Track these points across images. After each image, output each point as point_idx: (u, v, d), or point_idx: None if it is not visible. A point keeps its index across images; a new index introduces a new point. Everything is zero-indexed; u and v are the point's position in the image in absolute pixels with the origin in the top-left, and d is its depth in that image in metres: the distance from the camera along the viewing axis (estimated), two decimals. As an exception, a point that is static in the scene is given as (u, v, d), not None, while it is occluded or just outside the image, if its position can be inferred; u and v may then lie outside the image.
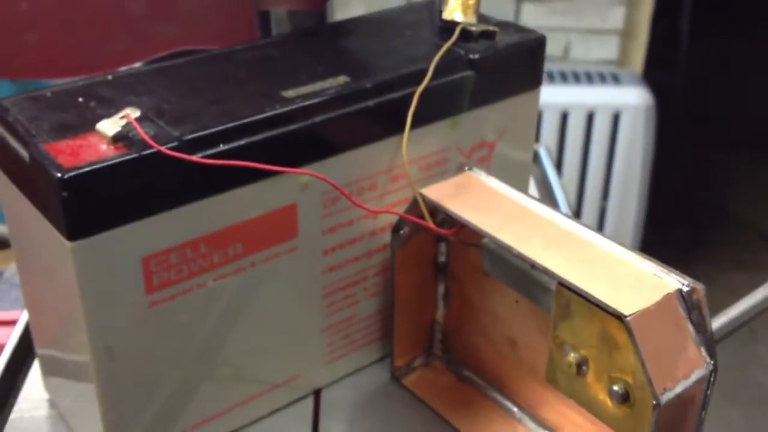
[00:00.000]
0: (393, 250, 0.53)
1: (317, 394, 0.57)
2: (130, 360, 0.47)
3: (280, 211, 0.49)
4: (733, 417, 1.58)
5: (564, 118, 1.68)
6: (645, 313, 0.42)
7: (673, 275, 0.44)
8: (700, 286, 0.43)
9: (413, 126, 0.51)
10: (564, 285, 0.44)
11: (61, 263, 0.43)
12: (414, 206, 0.51)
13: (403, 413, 0.55)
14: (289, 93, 0.48)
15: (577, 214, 1.75)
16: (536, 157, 0.82)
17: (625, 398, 0.44)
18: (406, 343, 0.57)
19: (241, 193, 0.46)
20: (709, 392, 0.44)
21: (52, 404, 0.55)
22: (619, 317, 0.41)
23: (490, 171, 0.53)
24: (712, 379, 0.43)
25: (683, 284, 0.43)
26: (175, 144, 0.43)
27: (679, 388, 0.42)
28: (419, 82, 0.51)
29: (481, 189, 0.51)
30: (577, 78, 1.71)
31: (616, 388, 0.44)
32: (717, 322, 0.47)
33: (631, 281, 0.44)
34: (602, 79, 1.71)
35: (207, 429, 0.52)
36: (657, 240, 1.77)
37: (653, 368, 0.41)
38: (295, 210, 0.49)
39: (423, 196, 0.50)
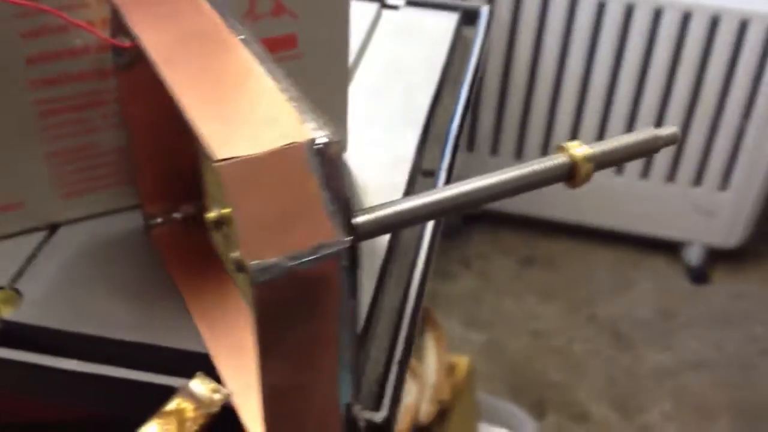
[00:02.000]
0: (116, 71, 0.44)
1: (53, 231, 0.50)
2: None
3: (-57, -3, 0.41)
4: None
5: (714, 24, 1.48)
6: (250, 162, 0.32)
7: (315, 125, 0.33)
8: (340, 143, 0.32)
9: None
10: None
11: None
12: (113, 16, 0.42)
13: (128, 268, 0.48)
14: None
15: (711, 131, 1.58)
16: (477, 17, 0.70)
17: (242, 267, 0.35)
18: (157, 188, 0.49)
19: None
20: (354, 275, 0.34)
21: None
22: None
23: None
24: (352, 258, 0.33)
25: (319, 136, 0.33)
26: None
27: (289, 261, 0.32)
28: None
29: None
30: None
31: (233, 255, 0.35)
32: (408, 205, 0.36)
33: (264, 125, 0.33)
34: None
35: None
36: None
37: (250, 231, 0.32)
38: (-32, -1, 0.41)
39: (107, -1, 0.41)
